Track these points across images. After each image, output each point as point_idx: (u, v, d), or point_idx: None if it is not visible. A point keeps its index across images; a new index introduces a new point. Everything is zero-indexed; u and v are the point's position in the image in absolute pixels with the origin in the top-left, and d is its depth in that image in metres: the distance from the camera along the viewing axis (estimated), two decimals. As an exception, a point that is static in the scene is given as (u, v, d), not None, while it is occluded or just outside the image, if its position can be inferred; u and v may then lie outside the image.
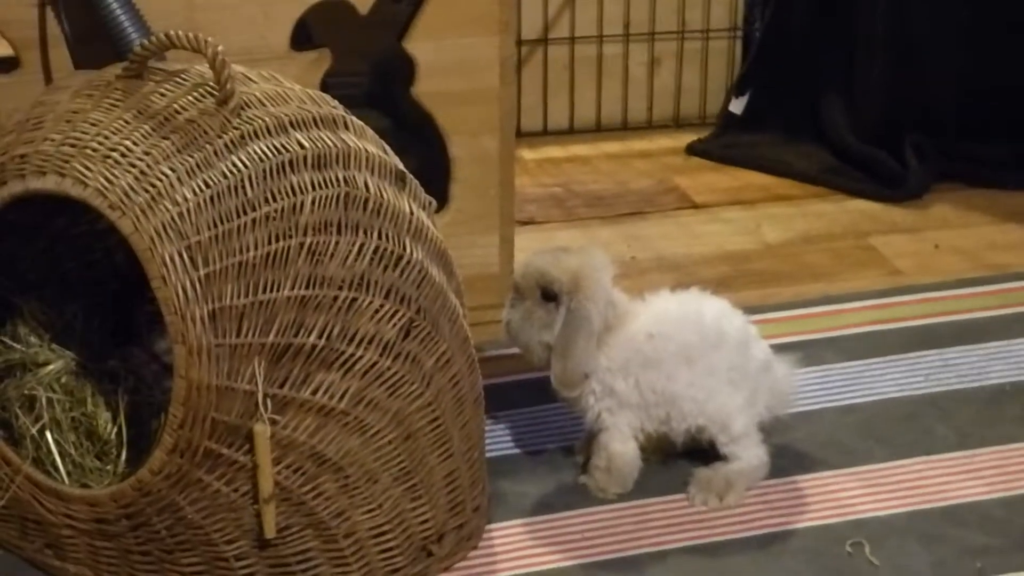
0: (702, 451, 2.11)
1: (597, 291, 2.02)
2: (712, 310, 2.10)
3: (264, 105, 1.78)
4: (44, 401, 1.95)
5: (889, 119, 3.17)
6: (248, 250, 1.69)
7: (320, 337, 1.72)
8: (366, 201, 1.76)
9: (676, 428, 2.07)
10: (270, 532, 1.77)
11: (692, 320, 2.08)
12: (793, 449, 2.17)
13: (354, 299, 1.74)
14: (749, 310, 2.53)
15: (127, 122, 1.76)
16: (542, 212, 3.01)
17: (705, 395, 2.05)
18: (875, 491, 2.08)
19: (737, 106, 3.37)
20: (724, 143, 3.32)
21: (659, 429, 2.08)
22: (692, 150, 3.32)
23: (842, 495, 2.07)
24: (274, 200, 1.71)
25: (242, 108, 1.75)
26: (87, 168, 1.73)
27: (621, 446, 2.07)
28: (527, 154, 3.28)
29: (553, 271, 2.02)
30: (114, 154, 1.73)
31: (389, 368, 1.78)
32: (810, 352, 2.43)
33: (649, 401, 2.06)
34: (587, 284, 2.01)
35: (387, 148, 1.86)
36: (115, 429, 1.96)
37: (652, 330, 2.06)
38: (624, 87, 3.41)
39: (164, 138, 1.73)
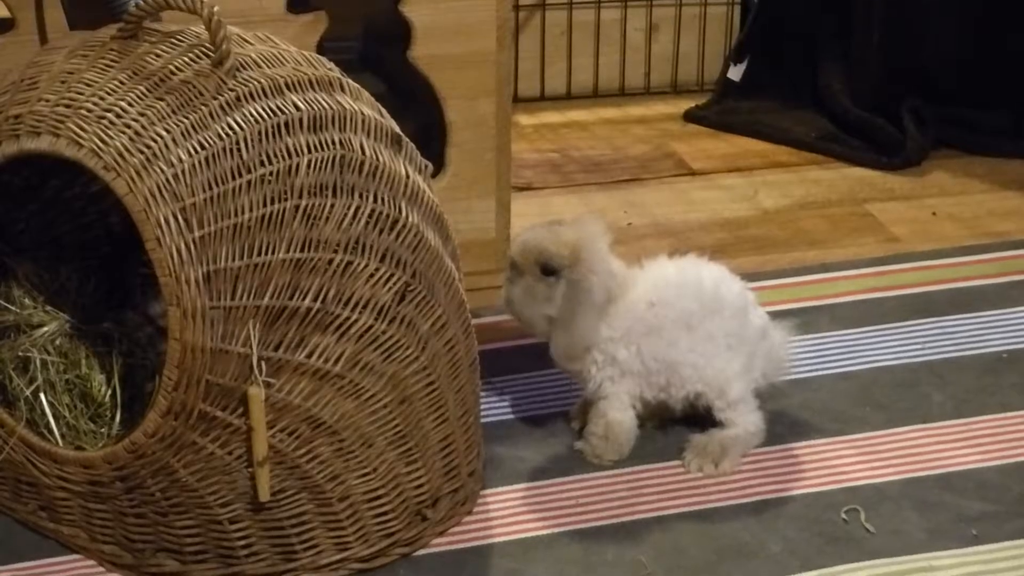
0: (699, 418, 2.11)
1: (597, 262, 2.01)
2: (711, 276, 2.10)
3: (260, 67, 1.76)
4: (38, 363, 1.94)
5: (887, 85, 3.16)
6: (243, 212, 1.68)
7: (315, 300, 1.71)
8: (362, 164, 1.75)
9: (675, 395, 2.07)
10: (264, 495, 1.77)
11: (692, 286, 2.07)
12: (789, 416, 2.17)
13: (349, 262, 1.73)
14: (746, 277, 2.52)
15: (122, 83, 1.75)
16: (539, 178, 3.00)
17: (704, 361, 2.05)
18: (871, 458, 2.08)
19: (735, 73, 3.35)
20: (722, 110, 3.31)
21: (658, 396, 2.08)
22: (690, 116, 3.30)
23: (838, 462, 2.07)
24: (269, 162, 1.70)
25: (238, 70, 1.74)
26: (82, 129, 1.72)
27: (620, 414, 2.07)
28: (524, 119, 3.27)
29: (552, 246, 2.01)
30: (109, 115, 1.72)
31: (384, 332, 1.77)
32: (806, 319, 2.42)
33: (650, 369, 2.05)
34: (587, 256, 2.00)
35: (383, 111, 1.85)
36: (109, 391, 1.95)
37: (653, 298, 2.06)
38: (622, 53, 3.40)
39: (159, 99, 1.72)
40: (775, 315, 2.40)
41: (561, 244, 2.01)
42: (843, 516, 1.96)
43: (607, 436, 2.07)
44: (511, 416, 2.18)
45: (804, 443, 2.11)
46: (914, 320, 2.43)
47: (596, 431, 2.07)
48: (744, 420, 2.08)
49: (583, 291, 2.00)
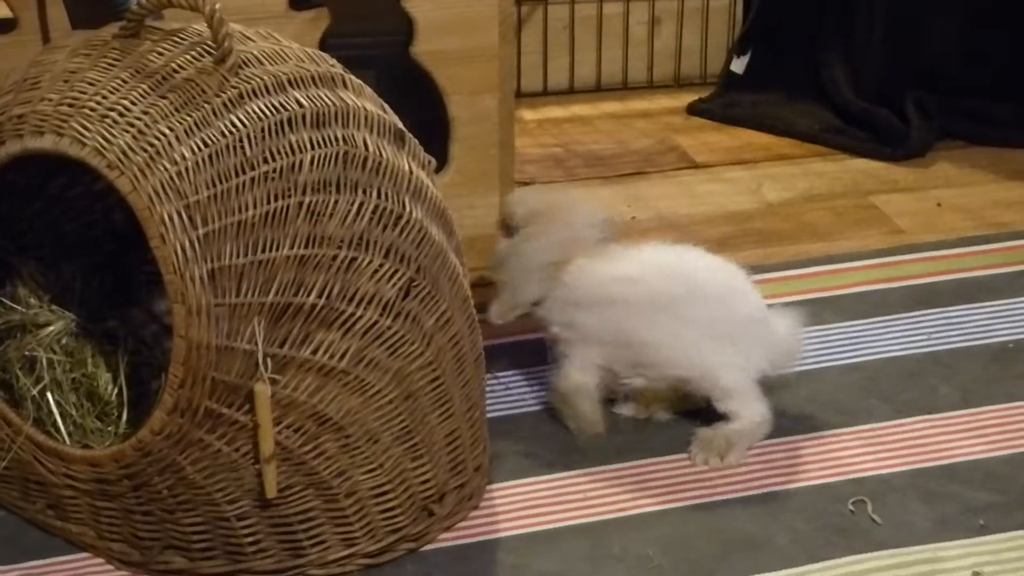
0: (711, 412, 2.11)
1: (550, 227, 2.02)
2: (692, 262, 2.11)
3: (262, 63, 1.77)
4: (44, 362, 1.94)
5: (891, 76, 3.15)
6: (247, 209, 1.69)
7: (320, 296, 1.72)
8: (365, 160, 1.75)
9: (653, 376, 2.08)
10: (271, 492, 1.77)
11: (666, 269, 2.09)
12: (795, 408, 2.17)
13: (353, 258, 1.73)
14: (750, 269, 2.52)
15: (124, 81, 1.75)
16: (542, 172, 3.00)
17: (681, 347, 2.05)
18: (877, 449, 2.08)
19: (738, 65, 3.35)
20: (725, 103, 3.31)
21: (634, 376, 2.09)
22: (693, 110, 3.30)
23: (844, 454, 2.07)
24: (273, 159, 1.70)
25: (240, 67, 1.74)
26: (85, 127, 1.72)
27: (578, 376, 2.09)
28: (527, 114, 3.27)
29: (513, 206, 2.07)
30: (112, 113, 1.72)
31: (389, 327, 1.77)
32: (811, 311, 2.41)
33: (608, 340, 2.07)
34: (540, 220, 2.02)
35: (386, 107, 1.85)
36: (115, 390, 1.95)
37: (622, 272, 2.07)
38: (625, 47, 3.40)
39: (162, 97, 1.72)
40: (780, 308, 2.41)
41: (522, 204, 2.04)
42: (850, 507, 1.96)
43: (565, 400, 2.09)
44: (517, 411, 2.18)
45: (810, 435, 2.11)
46: (919, 311, 2.43)
47: (557, 389, 2.10)
48: (748, 411, 2.07)
49: (520, 251, 2.05)
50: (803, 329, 2.17)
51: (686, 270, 2.09)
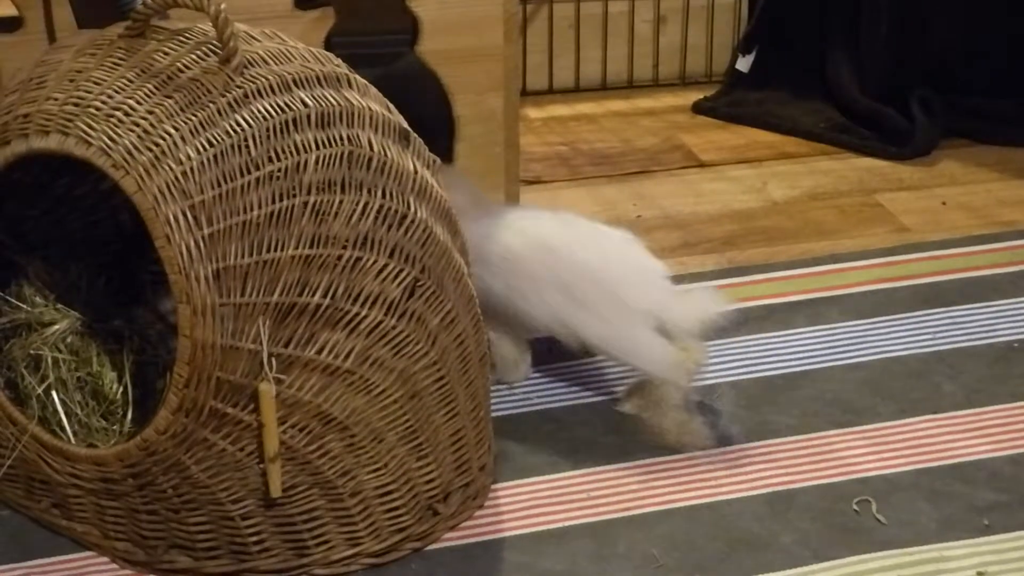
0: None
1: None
2: (549, 226, 2.14)
3: (267, 63, 1.77)
4: (50, 361, 1.95)
5: (896, 75, 3.15)
6: (252, 209, 1.69)
7: (324, 296, 1.72)
8: (370, 160, 1.75)
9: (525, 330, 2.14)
10: (276, 491, 1.77)
11: (520, 230, 2.12)
12: (799, 407, 2.17)
13: (358, 258, 1.73)
14: (756, 268, 2.55)
15: (130, 81, 1.75)
16: (548, 171, 3.00)
17: (545, 306, 2.09)
18: (882, 449, 2.08)
19: (744, 64, 3.35)
20: (730, 101, 3.31)
21: (520, 330, 2.15)
22: (698, 108, 3.30)
23: (848, 453, 2.07)
24: (278, 159, 1.70)
25: (245, 67, 1.74)
26: (90, 127, 1.72)
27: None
28: (532, 113, 3.27)
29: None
30: (117, 113, 1.72)
31: (394, 327, 1.77)
32: (816, 310, 2.42)
33: (501, 297, 2.11)
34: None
35: (391, 106, 1.85)
36: (120, 389, 1.96)
37: (489, 232, 2.11)
38: (630, 45, 3.39)
39: (167, 97, 1.72)
40: (785, 306, 2.42)
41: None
42: (854, 507, 1.96)
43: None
44: (521, 410, 2.18)
45: (815, 434, 2.11)
46: (924, 310, 2.42)
47: None
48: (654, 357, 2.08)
49: None
50: (720, 306, 2.13)
51: (538, 231, 2.12)
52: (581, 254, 2.10)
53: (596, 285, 2.08)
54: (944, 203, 2.84)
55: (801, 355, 2.30)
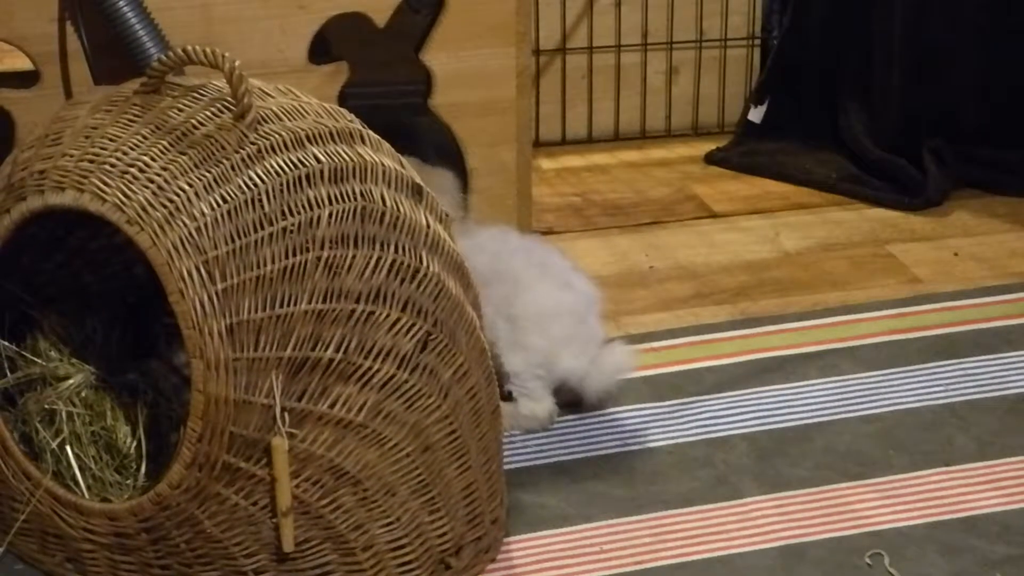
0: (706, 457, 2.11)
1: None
2: (506, 245, 2.26)
3: (281, 119, 1.78)
4: (64, 415, 1.95)
5: (908, 125, 3.16)
6: (265, 264, 1.70)
7: (337, 351, 1.72)
8: (383, 215, 1.76)
9: None
10: (288, 546, 1.77)
11: (487, 251, 2.22)
12: (812, 459, 2.17)
13: (371, 312, 1.74)
14: (768, 319, 2.55)
15: (145, 137, 1.76)
16: (560, 222, 3.01)
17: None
18: (894, 502, 2.07)
19: (756, 115, 3.36)
20: (743, 151, 3.32)
21: None
22: (711, 159, 3.31)
23: (861, 506, 2.07)
24: (291, 214, 1.71)
25: (259, 123, 1.76)
26: (105, 183, 1.74)
27: None
28: (545, 163, 3.28)
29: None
30: (132, 169, 1.74)
31: (406, 381, 1.78)
32: (829, 361, 2.42)
33: None
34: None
35: (403, 161, 1.87)
36: (134, 442, 1.96)
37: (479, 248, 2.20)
38: (642, 96, 3.41)
39: (181, 153, 1.74)
40: (797, 358, 2.42)
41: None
42: (867, 561, 1.95)
43: None
44: (534, 462, 2.18)
45: (827, 487, 2.11)
46: (937, 362, 2.42)
47: None
48: (521, 401, 2.21)
49: None
50: (630, 365, 2.27)
51: (494, 253, 2.22)
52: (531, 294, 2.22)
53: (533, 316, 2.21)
54: (956, 254, 2.84)
55: (813, 407, 2.30)
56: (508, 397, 2.21)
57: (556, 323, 2.23)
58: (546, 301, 2.23)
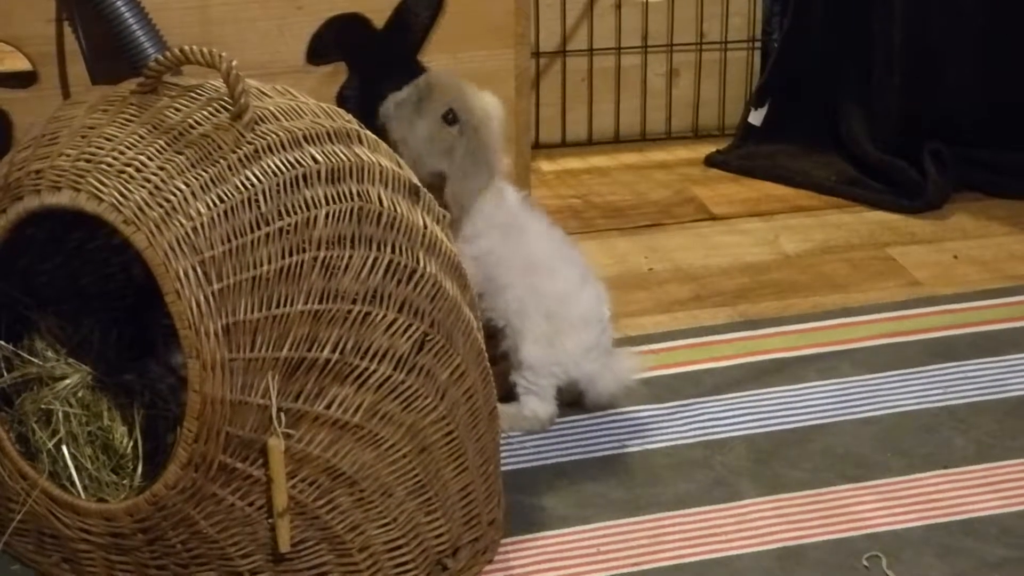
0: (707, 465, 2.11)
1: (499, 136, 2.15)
2: (551, 239, 2.25)
3: (278, 119, 1.78)
4: (60, 415, 1.95)
5: (908, 128, 3.16)
6: (262, 264, 1.70)
7: (334, 351, 1.72)
8: (380, 215, 1.76)
9: (491, 316, 2.19)
10: (284, 546, 1.77)
11: (541, 239, 2.23)
12: (810, 462, 2.17)
13: (368, 313, 1.74)
14: (767, 321, 2.54)
15: (142, 137, 1.76)
16: (560, 224, 2.95)
17: (517, 305, 2.18)
18: (892, 504, 2.07)
19: (756, 117, 3.36)
20: (743, 154, 3.31)
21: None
22: (711, 161, 3.31)
23: (859, 508, 2.06)
24: (288, 214, 1.71)
25: (256, 122, 1.75)
26: (102, 183, 1.73)
27: None
28: (545, 166, 3.28)
29: (472, 98, 2.12)
30: (129, 169, 1.73)
31: (403, 382, 1.78)
32: (828, 364, 2.42)
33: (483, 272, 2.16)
34: (494, 126, 2.14)
35: (401, 162, 1.86)
36: (131, 443, 1.96)
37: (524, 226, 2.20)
38: (643, 98, 3.41)
39: (178, 153, 1.74)
40: (796, 360, 2.42)
41: (478, 97, 2.12)
42: (864, 563, 1.95)
43: None
44: (531, 464, 2.18)
45: (825, 489, 2.11)
46: (936, 364, 2.42)
47: None
48: (526, 399, 2.20)
49: (487, 153, 2.13)
50: (640, 370, 2.28)
51: (553, 245, 2.23)
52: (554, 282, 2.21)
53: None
54: (956, 257, 2.84)
55: (812, 409, 2.29)
56: (510, 394, 2.21)
57: (591, 330, 2.23)
58: (587, 308, 2.23)
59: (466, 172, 2.09)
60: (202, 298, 1.68)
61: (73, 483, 1.90)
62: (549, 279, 2.20)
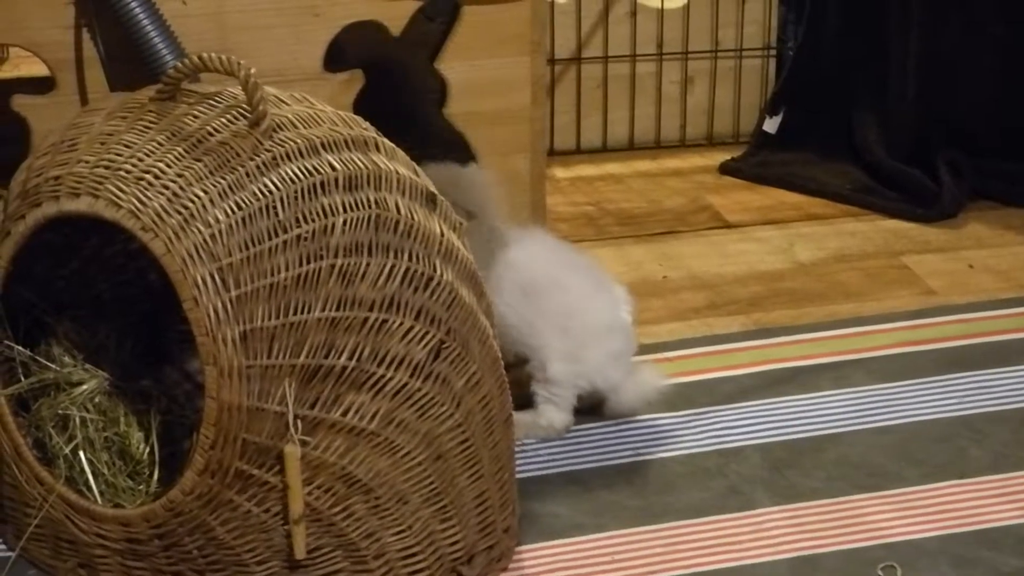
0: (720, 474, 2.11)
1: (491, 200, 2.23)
2: (559, 258, 2.27)
3: (296, 127, 1.78)
4: (77, 421, 1.96)
5: (923, 136, 3.16)
6: (279, 272, 1.70)
7: (350, 358, 1.73)
8: (397, 223, 1.76)
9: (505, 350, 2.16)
10: (300, 553, 1.77)
11: (538, 261, 2.24)
12: (825, 471, 2.16)
13: (384, 320, 1.74)
14: (782, 330, 2.54)
15: (160, 144, 1.77)
16: (574, 231, 3.01)
17: (529, 330, 2.19)
18: (908, 514, 2.07)
19: (771, 125, 3.36)
20: (757, 162, 3.31)
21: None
22: (725, 169, 3.31)
23: (874, 517, 2.06)
24: (305, 222, 1.71)
25: (274, 130, 1.76)
26: (120, 190, 1.74)
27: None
28: (560, 172, 3.28)
29: (478, 192, 2.20)
30: (147, 176, 1.74)
31: (419, 389, 1.78)
32: (842, 373, 2.42)
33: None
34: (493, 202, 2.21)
35: (418, 169, 1.87)
36: (147, 449, 1.97)
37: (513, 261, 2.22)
38: (657, 106, 3.41)
39: (196, 160, 1.74)
40: (811, 369, 2.42)
41: (481, 190, 2.21)
42: (879, 572, 1.95)
43: None
44: (546, 471, 2.18)
45: (841, 499, 2.10)
46: (951, 374, 2.42)
47: None
48: (544, 408, 2.21)
49: (500, 237, 2.20)
50: (664, 382, 2.29)
51: (546, 264, 2.24)
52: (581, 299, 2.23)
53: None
54: (971, 266, 2.83)
55: (827, 418, 2.29)
56: (524, 401, 2.21)
57: (613, 336, 2.24)
58: (604, 315, 2.24)
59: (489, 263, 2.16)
60: (220, 305, 1.69)
61: (90, 488, 1.91)
62: (554, 296, 2.21)
